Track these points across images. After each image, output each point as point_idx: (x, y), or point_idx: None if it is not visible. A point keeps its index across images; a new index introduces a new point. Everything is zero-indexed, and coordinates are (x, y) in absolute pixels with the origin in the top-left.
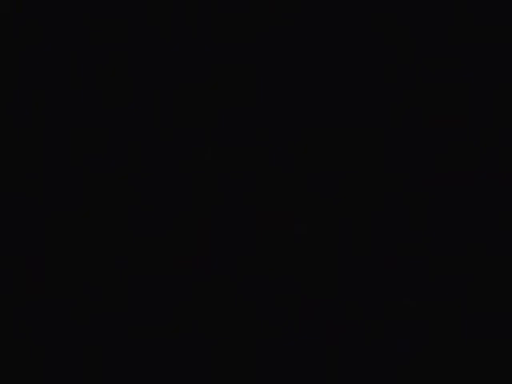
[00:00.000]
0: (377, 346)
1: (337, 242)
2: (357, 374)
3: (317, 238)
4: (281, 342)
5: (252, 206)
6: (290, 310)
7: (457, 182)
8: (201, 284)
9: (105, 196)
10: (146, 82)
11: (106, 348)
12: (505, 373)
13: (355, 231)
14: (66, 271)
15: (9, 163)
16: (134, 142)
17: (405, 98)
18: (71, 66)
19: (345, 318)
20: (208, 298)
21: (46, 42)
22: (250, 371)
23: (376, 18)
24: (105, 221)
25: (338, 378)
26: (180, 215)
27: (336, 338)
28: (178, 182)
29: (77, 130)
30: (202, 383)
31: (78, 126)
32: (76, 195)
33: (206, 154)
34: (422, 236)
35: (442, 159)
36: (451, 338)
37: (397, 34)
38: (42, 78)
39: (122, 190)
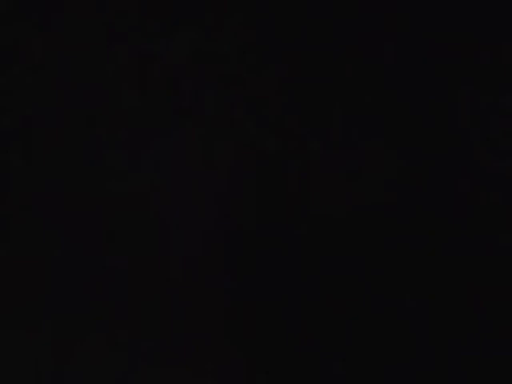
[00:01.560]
0: (377, 345)
1: (337, 241)
2: (357, 373)
3: (317, 238)
4: (280, 343)
5: (251, 206)
6: (289, 310)
7: (456, 181)
8: (200, 283)
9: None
10: (146, 80)
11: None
12: (505, 373)
13: (355, 231)
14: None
15: (8, 163)
16: (133, 141)
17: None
18: (71, 65)
19: (345, 317)
20: (207, 299)
21: (46, 42)
22: (250, 370)
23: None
24: (102, 220)
25: (338, 378)
26: (178, 215)
27: (336, 337)
28: (177, 181)
29: (76, 129)
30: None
31: (77, 125)
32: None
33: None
34: (422, 235)
35: (442, 158)
36: (451, 337)
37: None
38: (42, 77)
39: (119, 188)
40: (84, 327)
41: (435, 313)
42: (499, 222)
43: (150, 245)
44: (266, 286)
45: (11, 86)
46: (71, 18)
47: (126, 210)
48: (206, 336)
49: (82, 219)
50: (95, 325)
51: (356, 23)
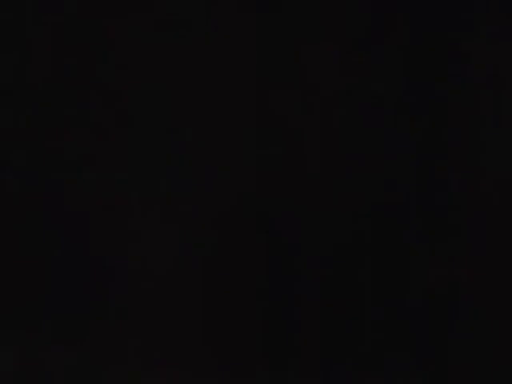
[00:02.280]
0: (378, 345)
1: (336, 242)
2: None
3: (316, 238)
4: (280, 343)
5: (252, 207)
6: (289, 310)
7: (456, 181)
8: (200, 284)
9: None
10: (146, 80)
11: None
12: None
13: (355, 231)
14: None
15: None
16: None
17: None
18: (71, 64)
19: (345, 317)
20: (207, 300)
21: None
22: (250, 370)
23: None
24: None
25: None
26: (177, 214)
27: (336, 336)
28: (177, 181)
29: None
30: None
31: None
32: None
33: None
34: (422, 235)
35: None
36: (453, 339)
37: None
38: (40, 76)
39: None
40: (84, 327)
41: (435, 312)
42: (499, 221)
43: (150, 245)
44: (265, 286)
45: (11, 86)
46: (71, 17)
47: (125, 210)
48: (205, 336)
49: (82, 219)
50: (95, 325)
51: (356, 23)
